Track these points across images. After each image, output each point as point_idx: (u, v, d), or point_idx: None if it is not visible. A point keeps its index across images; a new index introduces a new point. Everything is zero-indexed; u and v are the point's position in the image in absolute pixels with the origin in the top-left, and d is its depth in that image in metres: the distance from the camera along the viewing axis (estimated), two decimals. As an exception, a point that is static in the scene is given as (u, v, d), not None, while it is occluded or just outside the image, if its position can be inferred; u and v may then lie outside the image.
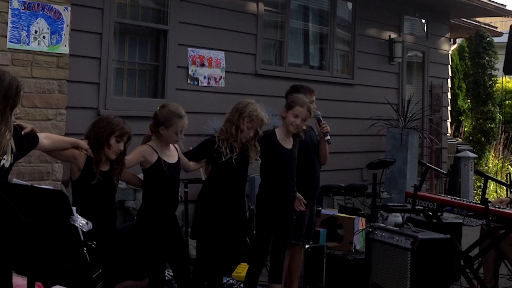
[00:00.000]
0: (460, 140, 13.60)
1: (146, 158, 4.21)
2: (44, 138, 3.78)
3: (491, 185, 12.20)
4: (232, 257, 5.39)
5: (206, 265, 4.55)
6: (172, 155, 4.34)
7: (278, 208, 4.82)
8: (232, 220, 4.56)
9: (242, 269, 5.72)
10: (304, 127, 5.38)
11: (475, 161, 12.40)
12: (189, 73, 7.27)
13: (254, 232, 5.00)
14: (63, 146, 3.94)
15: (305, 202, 5.08)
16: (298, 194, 5.05)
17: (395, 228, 5.39)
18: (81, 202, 3.87)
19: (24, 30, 5.31)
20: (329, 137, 5.34)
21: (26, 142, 3.60)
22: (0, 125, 3.31)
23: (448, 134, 12.28)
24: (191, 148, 4.85)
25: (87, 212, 3.66)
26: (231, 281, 5.49)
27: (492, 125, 13.46)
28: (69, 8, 5.64)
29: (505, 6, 12.04)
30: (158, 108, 4.35)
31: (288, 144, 4.90)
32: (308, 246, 5.80)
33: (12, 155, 3.45)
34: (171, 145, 4.36)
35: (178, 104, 4.45)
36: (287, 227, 4.91)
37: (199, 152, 4.67)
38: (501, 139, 13.87)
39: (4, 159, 3.39)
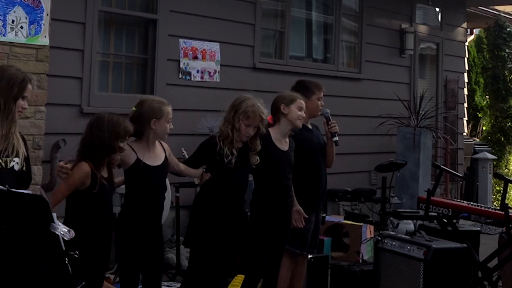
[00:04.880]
0: (478, 140, 13.62)
1: (123, 159, 4.18)
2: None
3: (512, 190, 12.22)
4: (228, 268, 5.38)
5: (199, 277, 4.55)
6: (157, 156, 4.32)
7: (273, 216, 4.82)
8: (231, 228, 4.55)
9: (238, 282, 5.72)
10: (310, 126, 5.42)
11: (494, 163, 12.41)
12: (181, 66, 7.27)
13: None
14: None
15: (306, 217, 5.08)
16: (298, 207, 5.04)
17: (406, 236, 5.40)
18: (80, 212, 3.92)
19: (0, 19, 5.31)
20: (337, 138, 5.36)
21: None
22: (3, 115, 3.49)
23: (465, 134, 12.30)
24: (183, 149, 4.85)
25: (87, 221, 3.83)
26: (226, 295, 5.49)
27: (512, 124, 13.50)
28: (49, -4, 5.63)
29: (527, -7, 12.08)
30: (135, 108, 4.32)
31: (284, 145, 4.92)
32: (311, 256, 5.80)
33: (24, 161, 3.60)
34: (157, 146, 4.34)
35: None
36: (283, 237, 4.90)
37: (200, 155, 4.63)
38: (523, 139, 13.90)
39: (14, 161, 3.54)
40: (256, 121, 4.56)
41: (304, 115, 4.97)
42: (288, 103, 4.91)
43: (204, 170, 4.64)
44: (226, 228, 4.52)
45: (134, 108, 4.34)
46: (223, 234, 4.51)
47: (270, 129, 4.90)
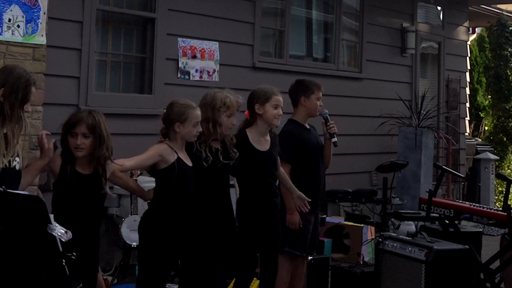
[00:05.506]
0: (480, 140, 13.61)
1: (163, 157, 4.23)
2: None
3: (514, 190, 12.20)
4: (227, 269, 5.38)
5: (194, 281, 4.53)
6: (187, 158, 4.37)
7: (261, 218, 4.76)
8: (220, 229, 4.50)
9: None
10: (308, 127, 5.41)
11: (497, 163, 12.41)
12: (179, 66, 7.27)
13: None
14: (35, 174, 4.06)
15: (309, 200, 5.05)
16: (299, 193, 5.00)
17: (407, 238, 5.39)
18: (58, 207, 3.91)
19: (-4, 18, 5.31)
20: (336, 139, 5.35)
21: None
22: (11, 120, 3.52)
23: (467, 134, 12.30)
24: None
25: (65, 218, 3.71)
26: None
27: (515, 124, 13.50)
28: (46, -6, 5.63)
29: (529, -9, 12.08)
30: (165, 109, 4.38)
31: (264, 144, 4.82)
32: (311, 257, 5.80)
33: (22, 160, 3.66)
34: (185, 150, 4.39)
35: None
36: (274, 239, 4.85)
37: None
38: (526, 139, 13.90)
39: (16, 161, 3.59)
40: (236, 109, 4.54)
41: (281, 112, 4.84)
42: (263, 102, 4.80)
43: None
44: (215, 230, 4.47)
45: (164, 110, 4.39)
46: (213, 236, 4.46)
47: (247, 131, 4.79)
